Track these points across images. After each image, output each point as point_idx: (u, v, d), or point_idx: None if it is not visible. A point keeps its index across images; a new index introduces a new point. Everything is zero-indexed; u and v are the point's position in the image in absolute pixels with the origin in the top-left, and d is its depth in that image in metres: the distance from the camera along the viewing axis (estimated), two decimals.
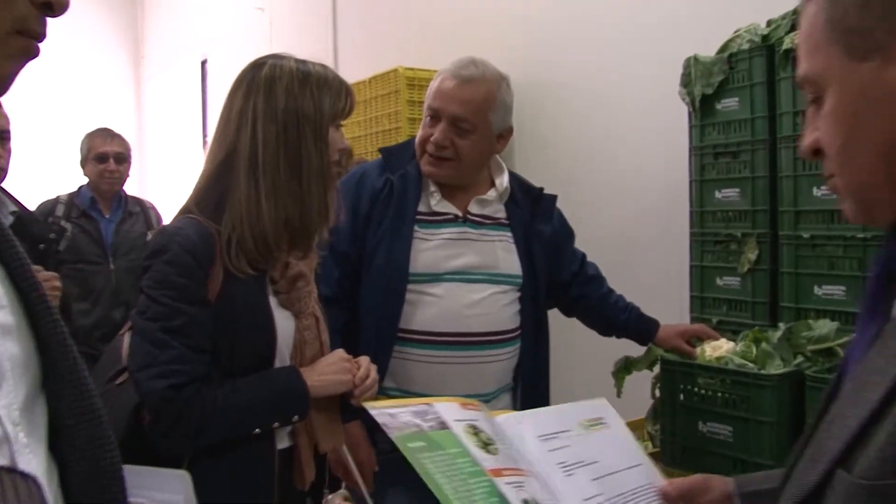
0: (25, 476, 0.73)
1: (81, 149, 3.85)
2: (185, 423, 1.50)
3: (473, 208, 2.24)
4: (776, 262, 2.80)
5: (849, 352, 1.05)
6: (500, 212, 2.28)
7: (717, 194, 2.99)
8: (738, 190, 2.92)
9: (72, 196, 3.79)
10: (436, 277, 2.17)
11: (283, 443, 1.68)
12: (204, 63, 8.54)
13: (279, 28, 7.22)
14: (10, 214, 2.57)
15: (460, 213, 2.21)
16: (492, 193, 2.26)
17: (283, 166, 1.61)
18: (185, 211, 1.66)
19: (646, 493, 1.39)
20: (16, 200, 2.70)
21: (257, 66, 1.68)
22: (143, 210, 3.77)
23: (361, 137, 5.02)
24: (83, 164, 3.86)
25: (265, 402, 1.57)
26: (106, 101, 9.62)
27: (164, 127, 9.08)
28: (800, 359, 2.33)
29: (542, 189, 2.38)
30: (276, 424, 1.60)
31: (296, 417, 1.62)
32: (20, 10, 0.74)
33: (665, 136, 3.50)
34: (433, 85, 2.18)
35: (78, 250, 3.38)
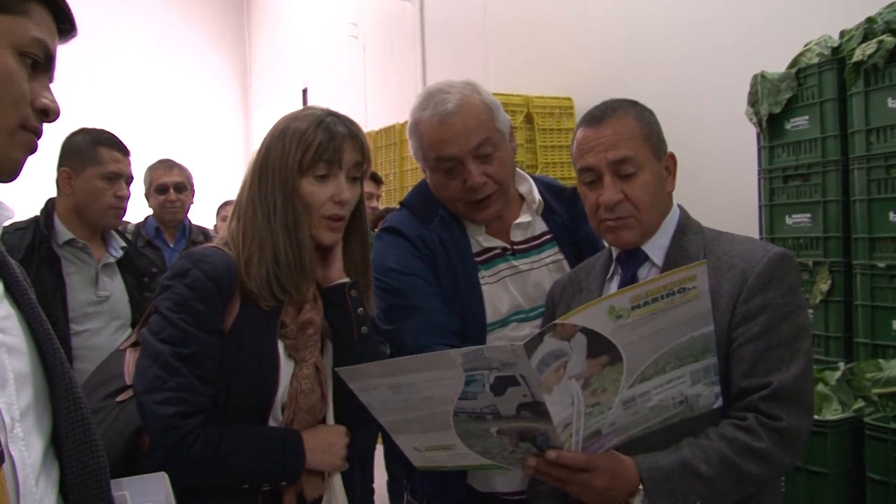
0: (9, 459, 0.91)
1: (144, 181, 3.96)
2: (183, 455, 1.44)
3: (516, 236, 2.06)
4: (851, 294, 2.57)
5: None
6: (540, 227, 2.08)
7: (788, 220, 2.79)
8: (808, 215, 2.71)
9: (138, 226, 3.88)
10: (505, 322, 2.02)
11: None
12: (305, 91, 8.81)
13: (371, 55, 7.35)
14: (121, 249, 2.72)
15: (508, 245, 2.05)
16: (526, 215, 2.08)
17: (259, 215, 1.59)
18: (220, 242, 1.64)
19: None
20: (125, 237, 2.88)
21: None
22: (207, 240, 3.81)
23: None
24: (147, 195, 3.90)
25: (262, 463, 1.52)
26: (218, 130, 10.11)
27: None
28: (861, 403, 2.11)
29: (574, 188, 2.08)
30: (265, 486, 1.55)
31: (284, 483, 1.57)
32: (24, 111, 0.97)
33: (734, 158, 3.31)
34: (422, 140, 1.92)
35: None
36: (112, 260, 2.68)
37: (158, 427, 1.45)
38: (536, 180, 2.12)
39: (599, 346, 1.23)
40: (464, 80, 1.99)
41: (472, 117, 1.90)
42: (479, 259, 1.99)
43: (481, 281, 1.96)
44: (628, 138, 1.57)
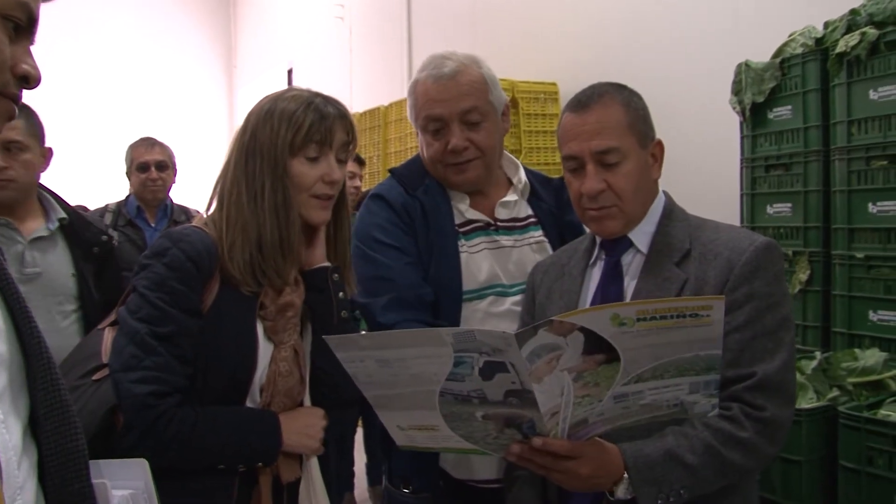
0: None
1: (126, 159, 3.88)
2: (159, 434, 1.43)
3: (500, 214, 2.06)
4: (829, 284, 2.59)
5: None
6: (525, 210, 2.11)
7: (769, 209, 2.80)
8: (790, 205, 2.73)
9: (119, 205, 3.82)
10: (482, 293, 2.04)
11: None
12: (290, 72, 8.75)
13: (357, 36, 7.30)
14: (58, 220, 2.49)
15: (491, 220, 2.07)
16: (512, 195, 2.10)
17: (245, 198, 1.57)
18: (200, 223, 1.64)
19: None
20: (67, 205, 2.63)
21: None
22: (188, 219, 3.76)
23: None
24: (128, 174, 3.87)
25: (238, 443, 1.53)
26: (202, 108, 10.03)
27: None
28: (835, 392, 2.14)
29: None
30: (241, 467, 1.56)
31: (260, 464, 1.58)
32: (4, 77, 0.95)
33: (717, 147, 3.33)
34: (416, 98, 1.99)
35: (122, 259, 3.44)
36: (46, 233, 2.45)
37: (133, 406, 1.45)
38: (526, 169, 2.15)
39: (597, 345, 1.22)
40: (469, 53, 2.02)
41: (466, 83, 1.95)
42: (461, 230, 2.01)
43: (460, 249, 1.98)
44: (613, 127, 1.56)
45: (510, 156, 2.16)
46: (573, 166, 1.60)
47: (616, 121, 1.56)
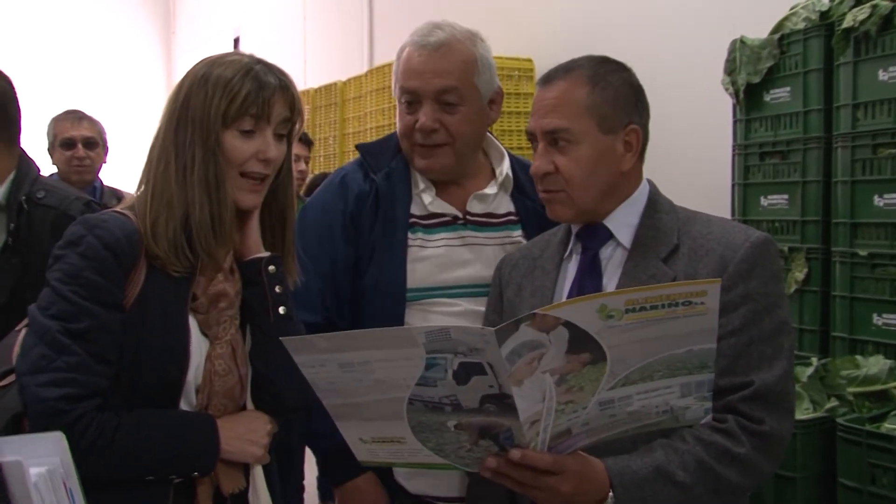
0: None
1: (48, 134, 3.71)
2: (74, 443, 1.33)
3: (474, 207, 2.00)
4: (829, 284, 2.59)
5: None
6: (506, 206, 2.07)
7: (763, 201, 2.80)
8: (786, 196, 2.72)
9: None
10: (435, 293, 1.97)
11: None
12: (237, 40, 8.65)
13: (313, 3, 7.22)
14: None
15: (460, 214, 2.02)
16: (492, 187, 2.06)
17: (174, 170, 1.55)
18: (125, 206, 1.61)
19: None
20: None
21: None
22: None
23: (387, 126, 4.93)
24: (50, 151, 3.70)
25: (168, 451, 1.51)
26: (136, 79, 9.89)
27: None
28: (834, 402, 2.13)
29: None
30: (174, 478, 1.52)
31: (196, 474, 1.54)
32: None
33: (707, 132, 3.31)
34: (399, 65, 1.97)
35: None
36: None
37: (43, 412, 1.41)
38: (513, 159, 2.12)
39: (582, 343, 1.21)
40: (472, 29, 2.03)
41: (449, 61, 1.93)
42: (424, 223, 1.99)
43: (417, 244, 1.97)
44: (567, 106, 1.56)
45: (498, 144, 2.13)
46: (531, 142, 1.62)
47: (574, 100, 1.56)
